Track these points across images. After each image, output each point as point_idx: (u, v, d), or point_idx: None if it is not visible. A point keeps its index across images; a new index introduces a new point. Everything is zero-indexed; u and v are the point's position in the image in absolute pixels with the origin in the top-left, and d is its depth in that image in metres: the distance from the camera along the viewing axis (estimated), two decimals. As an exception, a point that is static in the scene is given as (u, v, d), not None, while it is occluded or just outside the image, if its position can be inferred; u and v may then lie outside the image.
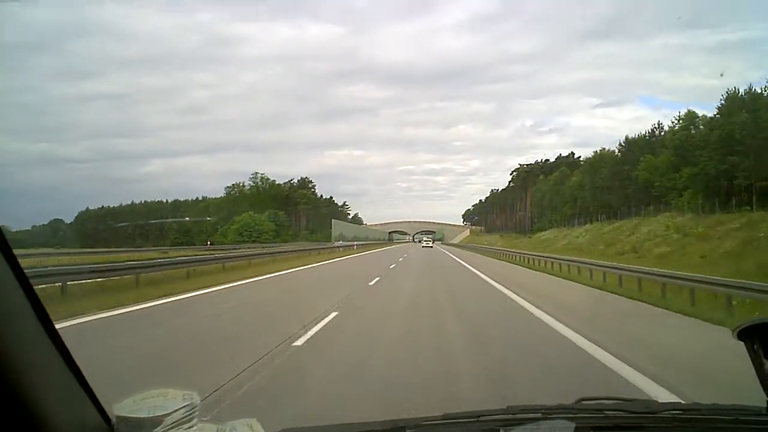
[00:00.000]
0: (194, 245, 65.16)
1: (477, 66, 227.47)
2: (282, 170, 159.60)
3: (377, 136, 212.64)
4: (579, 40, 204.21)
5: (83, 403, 0.92)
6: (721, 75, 51.89)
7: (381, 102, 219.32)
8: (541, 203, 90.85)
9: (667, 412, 1.43)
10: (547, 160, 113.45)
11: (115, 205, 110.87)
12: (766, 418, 1.29)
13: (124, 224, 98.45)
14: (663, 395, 4.95)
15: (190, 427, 1.05)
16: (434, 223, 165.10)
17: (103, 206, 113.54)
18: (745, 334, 1.32)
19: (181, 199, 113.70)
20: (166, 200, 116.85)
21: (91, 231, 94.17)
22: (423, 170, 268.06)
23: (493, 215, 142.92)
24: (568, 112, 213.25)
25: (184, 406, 1.06)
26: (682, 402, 1.59)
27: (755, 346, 1.30)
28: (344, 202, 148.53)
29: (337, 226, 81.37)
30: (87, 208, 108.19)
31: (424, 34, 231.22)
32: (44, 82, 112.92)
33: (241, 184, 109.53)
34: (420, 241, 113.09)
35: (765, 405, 1.32)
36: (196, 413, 1.08)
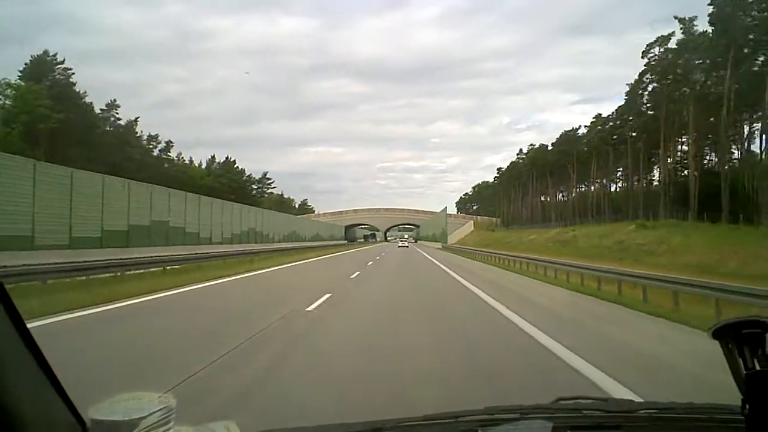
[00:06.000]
0: None
1: (454, 62, 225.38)
2: (256, 167, 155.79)
3: (354, 132, 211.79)
4: (557, 36, 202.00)
5: (56, 406, 0.92)
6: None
7: (358, 98, 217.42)
8: None
9: (644, 412, 1.44)
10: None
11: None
12: (740, 416, 1.30)
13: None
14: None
15: (167, 430, 1.07)
16: (418, 211, 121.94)
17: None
18: (719, 334, 1.33)
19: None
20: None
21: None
22: (401, 167, 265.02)
23: (515, 199, 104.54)
24: (545, 108, 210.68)
25: (160, 409, 1.06)
26: (659, 401, 1.60)
27: (729, 346, 1.31)
28: (265, 173, 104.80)
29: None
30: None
31: (400, 29, 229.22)
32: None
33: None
34: (396, 240, 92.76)
35: (740, 403, 1.34)
36: (173, 416, 1.09)
